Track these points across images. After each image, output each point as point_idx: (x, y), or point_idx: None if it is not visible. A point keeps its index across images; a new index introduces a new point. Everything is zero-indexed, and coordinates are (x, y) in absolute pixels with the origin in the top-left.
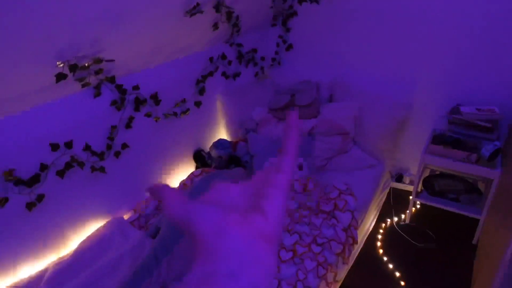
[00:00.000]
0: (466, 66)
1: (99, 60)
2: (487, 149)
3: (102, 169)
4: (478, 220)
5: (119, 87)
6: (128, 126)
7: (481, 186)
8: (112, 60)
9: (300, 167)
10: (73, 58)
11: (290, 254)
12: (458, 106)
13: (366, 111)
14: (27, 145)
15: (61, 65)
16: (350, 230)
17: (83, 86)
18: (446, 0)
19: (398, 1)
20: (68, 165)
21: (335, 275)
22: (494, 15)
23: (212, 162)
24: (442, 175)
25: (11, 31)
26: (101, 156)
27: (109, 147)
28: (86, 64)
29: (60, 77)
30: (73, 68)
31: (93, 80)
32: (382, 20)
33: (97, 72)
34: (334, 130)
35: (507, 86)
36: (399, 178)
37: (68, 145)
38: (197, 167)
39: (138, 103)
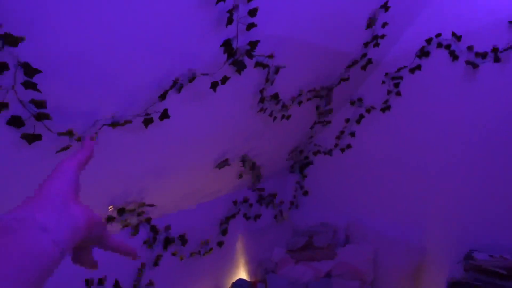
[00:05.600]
0: (479, 210)
1: (143, 204)
2: None
3: None
4: None
5: (154, 228)
6: (155, 263)
7: None
8: (154, 205)
9: None
10: (123, 203)
11: None
12: (471, 251)
13: (381, 254)
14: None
15: (111, 209)
16: None
17: (123, 227)
18: (459, 146)
19: (408, 150)
20: None
21: None
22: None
23: None
24: None
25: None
26: None
27: (135, 287)
28: (132, 208)
29: (109, 220)
30: (121, 211)
31: (133, 220)
32: (392, 168)
33: (139, 214)
34: (351, 273)
35: None
36: None
37: (101, 281)
38: None
39: (167, 242)
